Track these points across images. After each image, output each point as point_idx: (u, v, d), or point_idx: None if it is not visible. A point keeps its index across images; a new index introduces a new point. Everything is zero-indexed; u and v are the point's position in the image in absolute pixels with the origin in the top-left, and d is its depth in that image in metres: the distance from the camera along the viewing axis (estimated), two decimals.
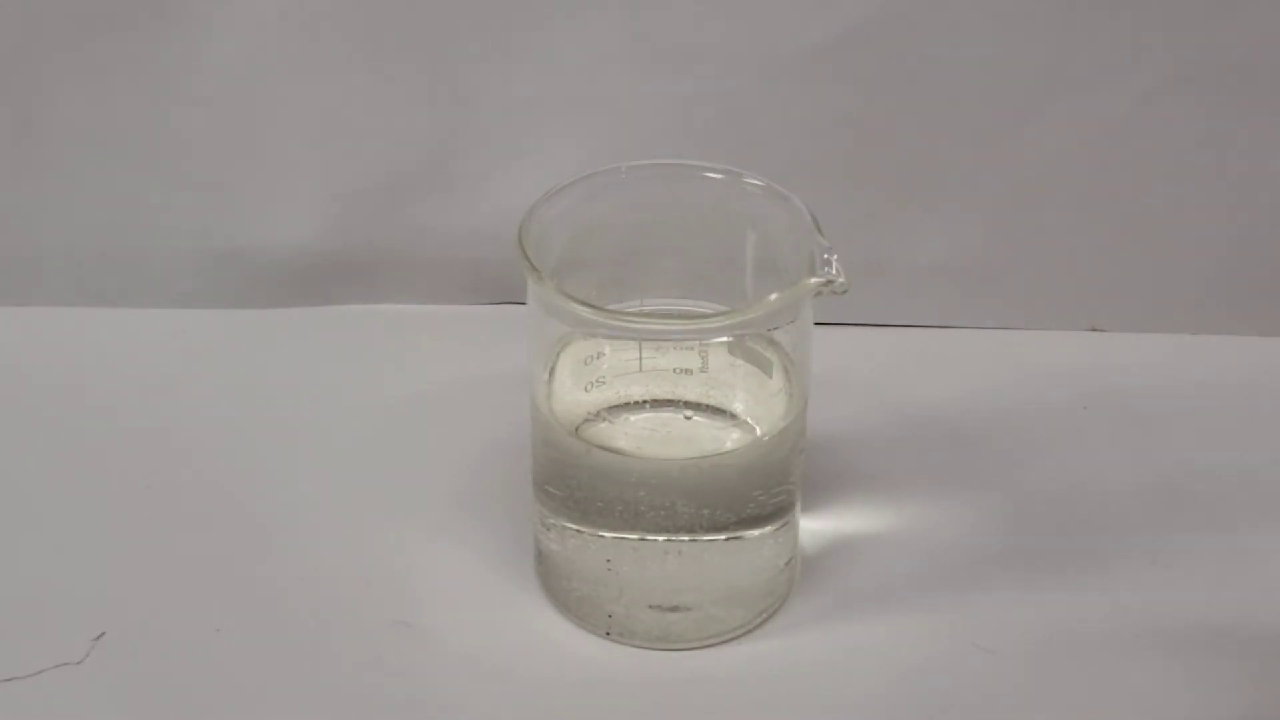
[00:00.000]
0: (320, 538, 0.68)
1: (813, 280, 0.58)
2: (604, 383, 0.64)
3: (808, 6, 0.73)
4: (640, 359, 0.63)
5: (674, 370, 0.63)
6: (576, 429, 0.63)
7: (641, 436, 0.63)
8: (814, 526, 0.68)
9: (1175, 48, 0.72)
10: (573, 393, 0.64)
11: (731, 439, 0.64)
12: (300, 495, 0.70)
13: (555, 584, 0.65)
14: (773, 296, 0.58)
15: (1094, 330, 0.78)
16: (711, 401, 0.64)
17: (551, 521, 0.64)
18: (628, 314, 0.58)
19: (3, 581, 0.65)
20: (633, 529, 0.62)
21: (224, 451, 0.72)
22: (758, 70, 0.74)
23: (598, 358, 0.64)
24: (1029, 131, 0.75)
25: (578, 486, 0.62)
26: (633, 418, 0.64)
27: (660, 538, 0.62)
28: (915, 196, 0.76)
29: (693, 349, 0.63)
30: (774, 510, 0.63)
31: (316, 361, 0.77)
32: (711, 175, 0.63)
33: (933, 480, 0.70)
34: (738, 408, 0.64)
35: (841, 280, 0.58)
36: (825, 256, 0.58)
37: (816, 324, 0.62)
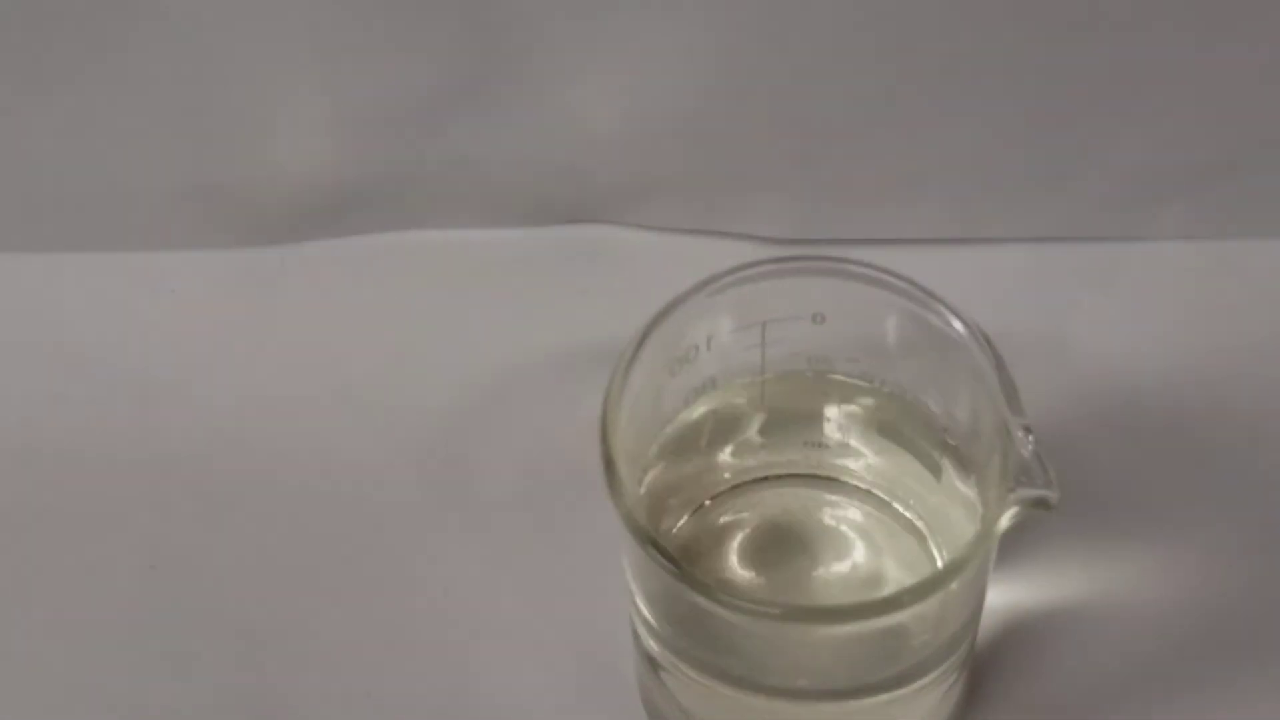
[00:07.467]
0: (334, 540, 0.62)
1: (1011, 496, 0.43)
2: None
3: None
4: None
5: None
6: None
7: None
8: None
9: None
10: None
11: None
12: (311, 483, 0.63)
13: (667, 708, 0.53)
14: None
15: None
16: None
17: (654, 647, 0.51)
18: (746, 601, 0.45)
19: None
20: (760, 692, 0.49)
21: (229, 425, 0.65)
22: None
23: None
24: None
25: (692, 623, 0.49)
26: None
27: (797, 705, 0.50)
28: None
29: None
30: (947, 651, 0.51)
31: (337, 305, 0.68)
32: None
33: None
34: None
35: (1054, 493, 0.43)
36: (1021, 435, 0.43)
37: None
